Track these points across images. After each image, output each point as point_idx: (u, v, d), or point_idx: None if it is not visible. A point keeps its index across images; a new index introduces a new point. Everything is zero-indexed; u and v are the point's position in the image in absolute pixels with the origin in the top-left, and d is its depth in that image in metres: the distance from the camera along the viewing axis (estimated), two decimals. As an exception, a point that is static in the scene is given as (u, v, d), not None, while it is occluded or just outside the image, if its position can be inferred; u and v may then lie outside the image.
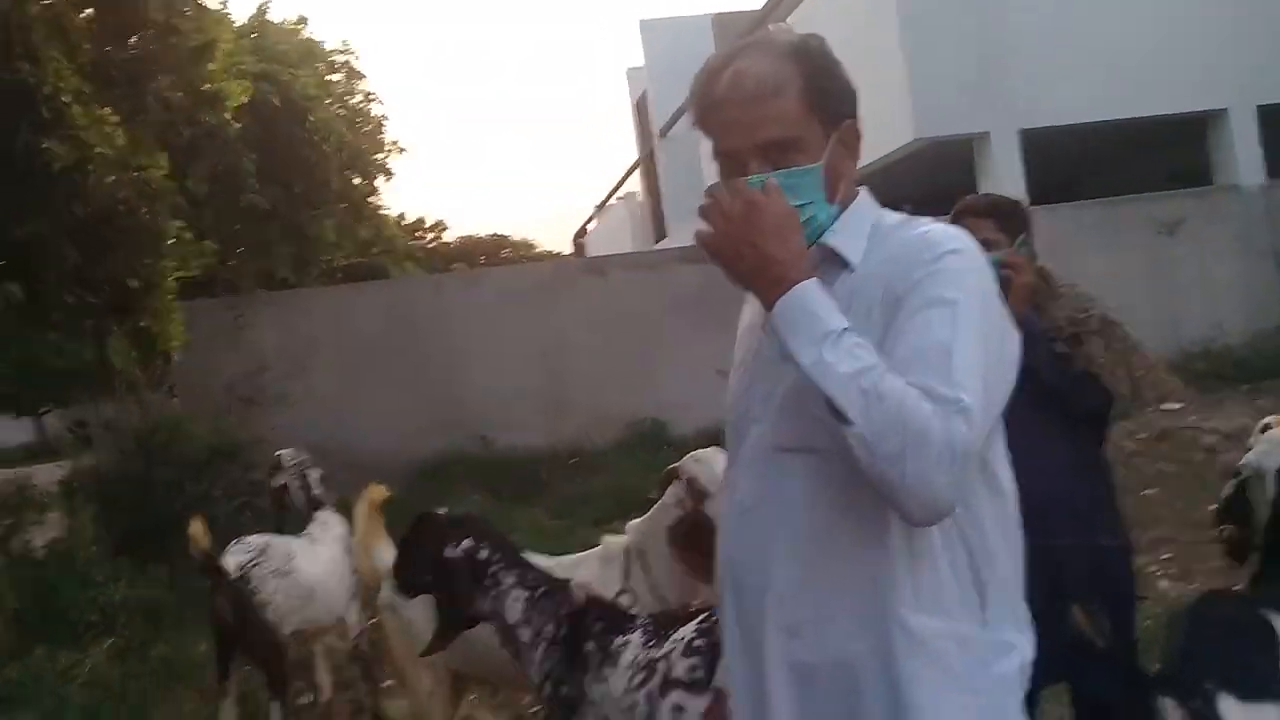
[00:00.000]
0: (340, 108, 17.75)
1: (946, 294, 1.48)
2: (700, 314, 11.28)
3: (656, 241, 24.94)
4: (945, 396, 1.39)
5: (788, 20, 14.74)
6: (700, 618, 2.44)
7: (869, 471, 1.40)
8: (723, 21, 20.75)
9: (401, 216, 29.33)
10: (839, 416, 1.41)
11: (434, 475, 10.12)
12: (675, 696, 2.34)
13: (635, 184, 29.12)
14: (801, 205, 1.56)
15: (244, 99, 9.09)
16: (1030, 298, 2.89)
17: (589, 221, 36.31)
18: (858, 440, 1.39)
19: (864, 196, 1.68)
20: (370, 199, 20.42)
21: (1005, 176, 11.85)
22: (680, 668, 2.36)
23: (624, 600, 3.12)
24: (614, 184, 30.98)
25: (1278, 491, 2.91)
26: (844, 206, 1.64)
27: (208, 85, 8.40)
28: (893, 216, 1.66)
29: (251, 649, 4.24)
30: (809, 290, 1.48)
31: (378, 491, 3.92)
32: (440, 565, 2.69)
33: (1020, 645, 1.56)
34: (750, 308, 1.77)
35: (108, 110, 6.65)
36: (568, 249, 40.05)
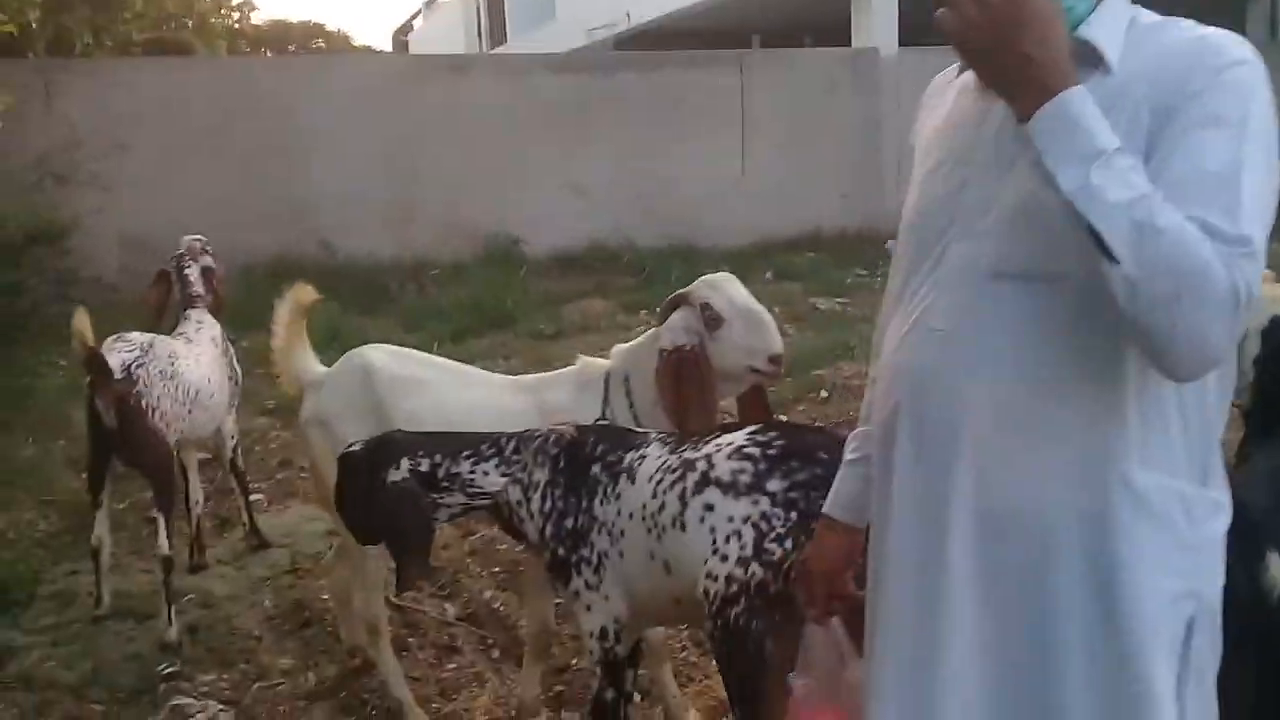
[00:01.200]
0: None
1: (1232, 112, 1.26)
2: (564, 128, 10.82)
3: (493, 47, 23.76)
4: (1229, 234, 1.19)
5: None
6: (752, 428, 2.27)
7: (1131, 315, 1.21)
8: None
9: (207, -10, 26.68)
10: (1104, 251, 1.19)
11: (271, 278, 9.41)
12: (709, 494, 2.18)
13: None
14: None
15: None
16: None
17: (415, 17, 34.22)
18: (1123, 280, 1.19)
19: None
20: (181, -35, 18.40)
21: (880, 12, 11.69)
22: (723, 468, 2.19)
23: None
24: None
25: (1262, 352, 2.91)
26: None
27: None
28: (1149, 14, 1.40)
29: (137, 458, 3.79)
30: (1076, 99, 1.23)
31: (305, 293, 3.42)
32: (387, 501, 2.41)
33: (1226, 505, 1.43)
34: (950, 98, 1.52)
35: None
36: (386, 45, 37.83)
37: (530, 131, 10.75)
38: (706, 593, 2.14)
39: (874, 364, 1.67)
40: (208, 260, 4.51)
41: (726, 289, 2.90)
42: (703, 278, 2.99)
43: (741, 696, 2.16)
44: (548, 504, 2.43)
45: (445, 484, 2.44)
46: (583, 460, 2.43)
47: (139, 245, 9.63)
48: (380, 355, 3.22)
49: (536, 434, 2.50)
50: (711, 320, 2.83)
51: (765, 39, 17.20)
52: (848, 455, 1.72)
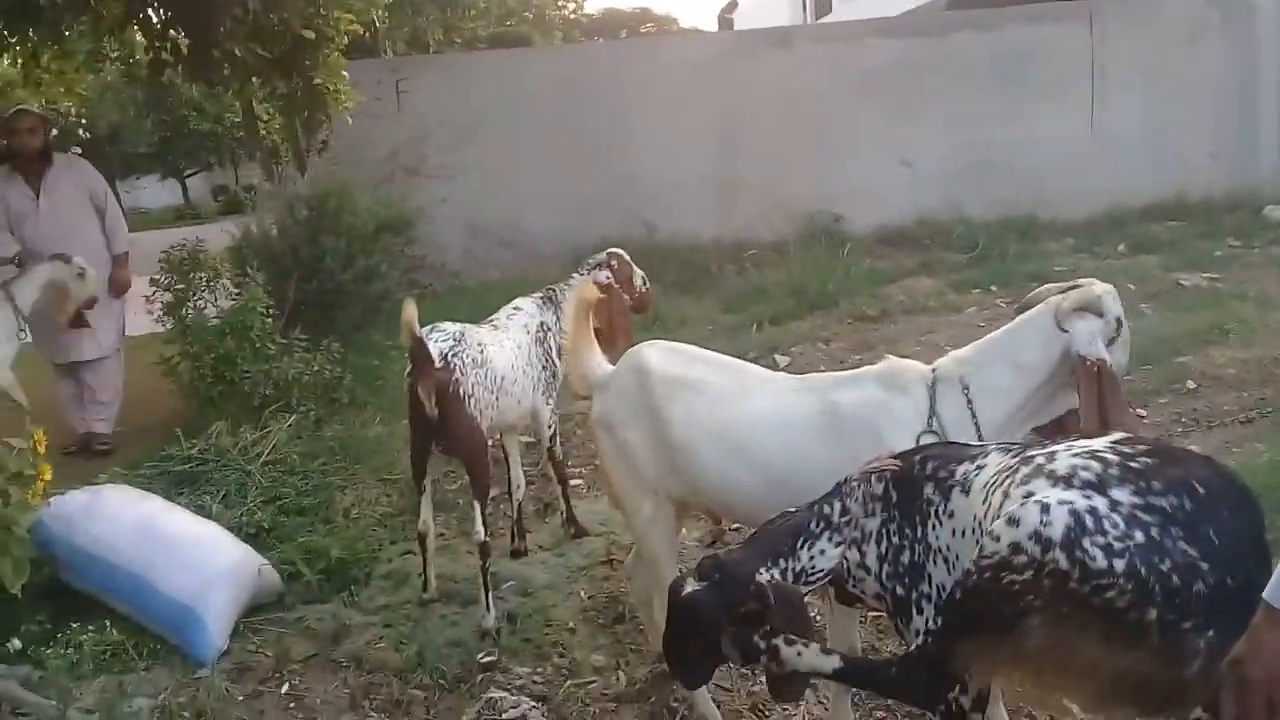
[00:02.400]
0: None
1: None
2: (892, 97, 10.31)
3: (818, 18, 23.29)
4: None
5: None
6: (1120, 436, 1.94)
7: None
8: None
9: (545, -17, 28.10)
10: None
11: (598, 260, 9.64)
12: (1034, 484, 1.86)
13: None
14: None
15: None
16: None
17: (740, -5, 34.26)
18: None
19: None
20: (520, -39, 19.41)
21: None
22: (1063, 463, 1.87)
23: (926, 441, 2.60)
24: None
25: None
26: None
27: None
28: None
29: (454, 445, 3.87)
30: None
31: (590, 290, 3.37)
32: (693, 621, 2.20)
33: None
34: None
35: None
36: (712, 26, 38.18)
37: (857, 102, 10.32)
38: (981, 550, 1.83)
39: None
40: (603, 275, 4.43)
41: (1119, 303, 2.74)
42: (1097, 285, 2.74)
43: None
44: (884, 546, 2.20)
45: (801, 580, 2.27)
46: (915, 486, 2.17)
47: (482, 232, 10.20)
48: (656, 355, 3.07)
49: (854, 480, 2.26)
50: (1114, 337, 2.69)
51: (1117, -14, 15.66)
52: None
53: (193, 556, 3.82)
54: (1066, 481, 1.83)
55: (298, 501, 4.72)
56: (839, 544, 2.25)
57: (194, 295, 6.42)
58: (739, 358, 3.26)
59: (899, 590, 2.15)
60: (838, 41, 10.72)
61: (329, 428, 5.79)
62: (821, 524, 2.27)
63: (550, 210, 10.18)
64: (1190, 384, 5.62)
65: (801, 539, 2.26)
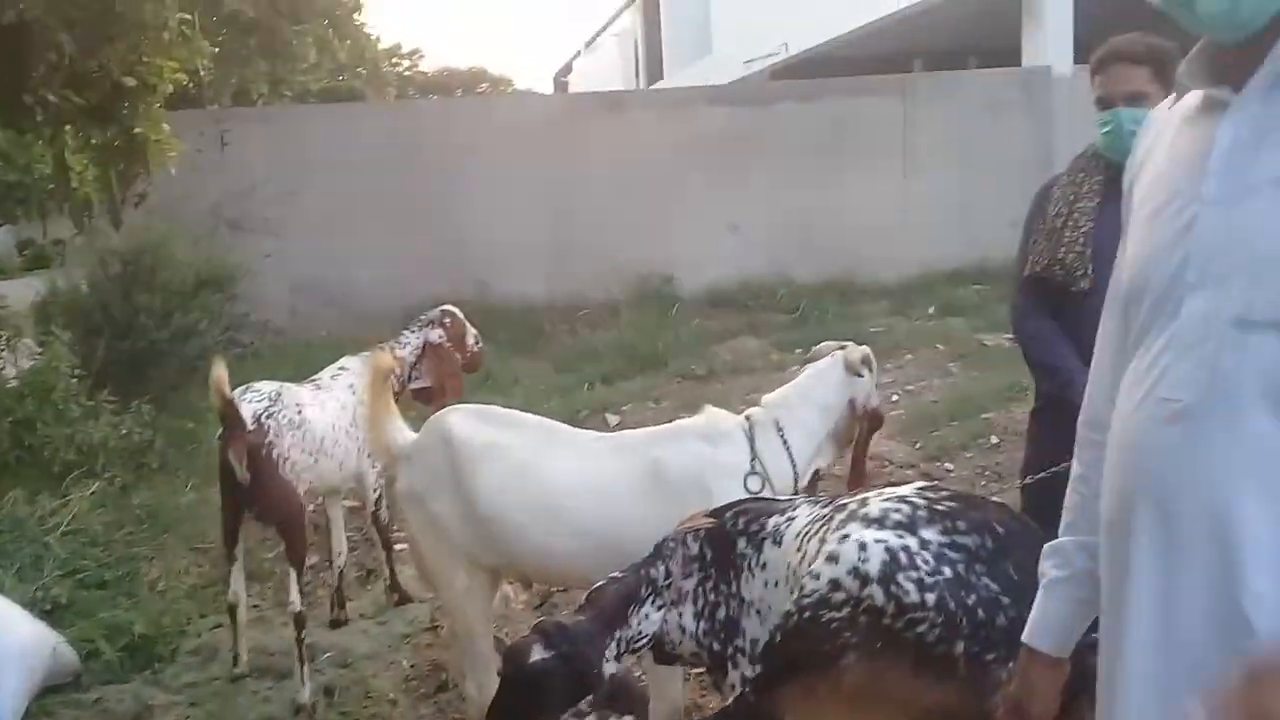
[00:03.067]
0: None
1: None
2: (723, 162, 10.63)
3: (650, 83, 23.89)
4: None
5: None
6: (924, 484, 2.09)
7: None
8: None
9: (378, 40, 27.88)
10: None
11: (429, 318, 9.55)
12: (850, 528, 1.96)
13: (626, 22, 27.79)
14: None
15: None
16: None
17: (575, 58, 34.84)
18: None
19: None
20: (355, 16, 19.21)
21: (1055, 26, 11.11)
22: (875, 506, 1.99)
23: (753, 484, 2.72)
24: (606, 20, 29.50)
25: None
26: None
27: None
28: None
29: (267, 512, 3.74)
30: None
31: (385, 359, 3.29)
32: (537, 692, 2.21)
33: None
34: (1171, 131, 1.30)
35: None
36: (547, 88, 38.68)
37: (687, 166, 10.60)
38: (801, 589, 1.92)
39: (1080, 450, 1.42)
40: (435, 334, 4.42)
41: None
42: (861, 349, 3.12)
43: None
44: (700, 604, 2.25)
45: (627, 650, 2.30)
46: (728, 542, 2.24)
47: (309, 289, 9.96)
48: (461, 420, 3.02)
49: (672, 541, 2.31)
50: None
51: (928, 63, 16.64)
52: (1050, 573, 1.46)
53: (-21, 637, 3.56)
54: (880, 522, 1.93)
55: (99, 574, 4.46)
56: (661, 607, 2.28)
57: (-7, 357, 6.05)
58: (571, 417, 3.30)
59: (715, 646, 2.20)
60: (668, 108, 11.03)
61: (137, 495, 5.50)
62: (648, 588, 2.29)
63: (380, 268, 10.05)
64: (994, 439, 5.96)
65: (632, 606, 2.28)
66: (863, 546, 1.89)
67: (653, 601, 2.28)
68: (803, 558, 2.05)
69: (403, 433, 3.16)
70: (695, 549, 2.29)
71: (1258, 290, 1.12)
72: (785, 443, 2.88)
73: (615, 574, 2.39)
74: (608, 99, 11.53)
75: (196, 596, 4.52)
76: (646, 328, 8.85)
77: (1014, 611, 1.77)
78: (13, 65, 6.21)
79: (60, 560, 4.46)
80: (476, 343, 4.60)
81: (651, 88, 22.34)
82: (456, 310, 4.57)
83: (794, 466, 2.87)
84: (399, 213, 10.24)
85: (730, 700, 2.20)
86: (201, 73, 7.48)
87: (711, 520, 2.32)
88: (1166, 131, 1.32)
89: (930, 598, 1.81)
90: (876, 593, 1.84)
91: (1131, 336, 1.29)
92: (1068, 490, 1.47)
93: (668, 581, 2.29)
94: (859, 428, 3.04)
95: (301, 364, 8.41)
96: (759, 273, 10.42)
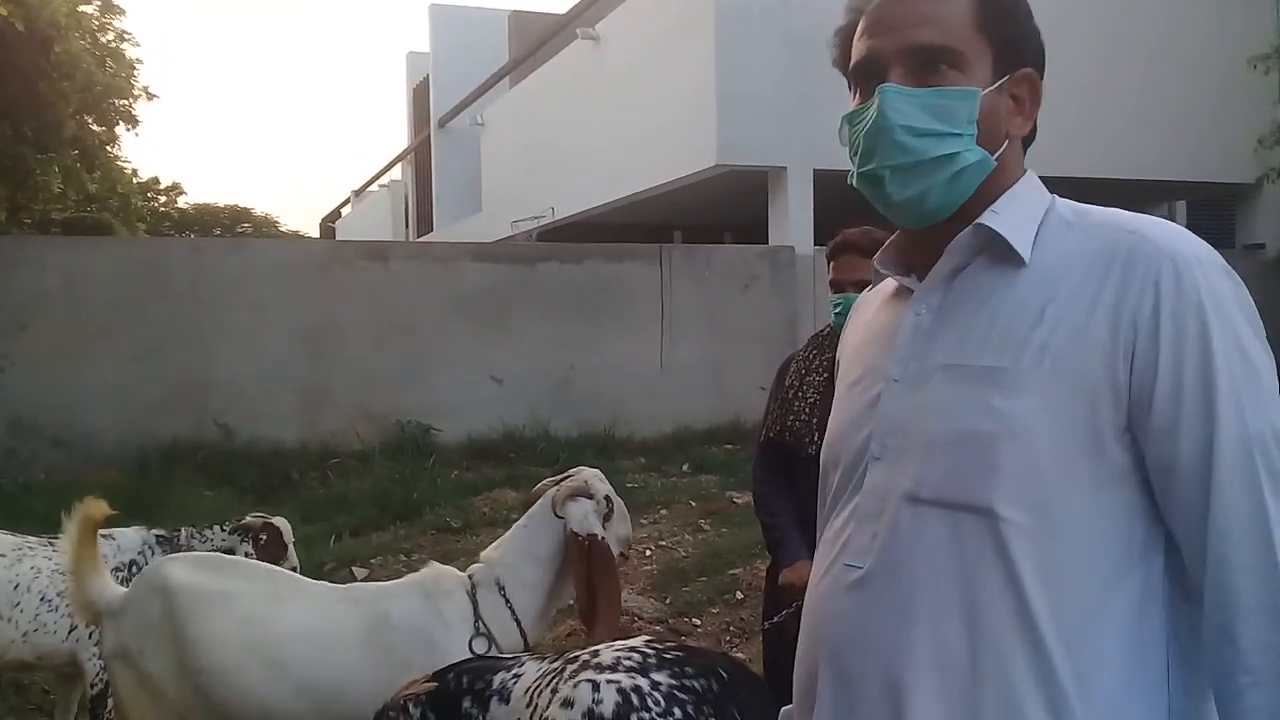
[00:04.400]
0: (90, 43, 15.84)
1: (1245, 348, 1.12)
2: (486, 316, 10.76)
3: (420, 235, 24.07)
4: None
5: (595, 28, 14.47)
6: (651, 638, 2.18)
7: None
8: (519, 20, 20.27)
9: (135, 172, 26.87)
10: None
11: (167, 462, 8.99)
12: (584, 674, 2.02)
13: (396, 174, 28.09)
14: (942, 135, 1.20)
15: (-7, 9, 7.74)
16: None
17: (344, 205, 34.70)
18: None
19: (1033, 179, 1.30)
20: (107, 147, 18.42)
21: (797, 212, 12.05)
22: (607, 656, 2.05)
23: (478, 645, 2.67)
24: (377, 170, 29.68)
25: None
26: (1006, 183, 1.27)
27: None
28: (1070, 204, 1.28)
29: None
30: None
31: (97, 508, 3.03)
32: None
33: None
34: (872, 311, 1.41)
35: None
36: (313, 231, 38.20)
37: (449, 319, 10.66)
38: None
39: None
40: (241, 547, 3.96)
41: (607, 483, 3.10)
42: (585, 470, 3.10)
43: None
44: None
45: None
46: (453, 702, 2.20)
47: (30, 429, 9.21)
48: (179, 569, 2.87)
49: (392, 710, 2.25)
50: (608, 514, 3.01)
51: (686, 235, 17.63)
52: None
53: None
54: (612, 668, 2.00)
55: None
56: None
57: None
58: (316, 570, 3.15)
59: None
60: (434, 260, 11.12)
61: None
62: None
63: (113, 408, 9.44)
64: (739, 594, 6.12)
65: None
66: (596, 688, 1.95)
67: None
68: (533, 711, 2.05)
69: (109, 588, 2.93)
70: (418, 715, 2.23)
71: (926, 469, 1.18)
72: (508, 601, 2.84)
73: None
74: (371, 248, 11.49)
75: None
76: (402, 477, 8.67)
77: None
78: None
79: None
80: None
81: (421, 239, 22.49)
82: (283, 527, 4.12)
83: (519, 625, 2.82)
84: (138, 350, 9.71)
85: None
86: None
87: (432, 684, 2.27)
88: (867, 312, 1.43)
89: None
90: None
91: (825, 505, 1.36)
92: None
93: None
94: (578, 558, 2.88)
95: (13, 509, 7.73)
96: (520, 424, 10.47)
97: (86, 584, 2.89)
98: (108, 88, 16.30)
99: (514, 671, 2.21)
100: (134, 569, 3.61)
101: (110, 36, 17.52)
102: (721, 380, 11.37)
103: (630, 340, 11.20)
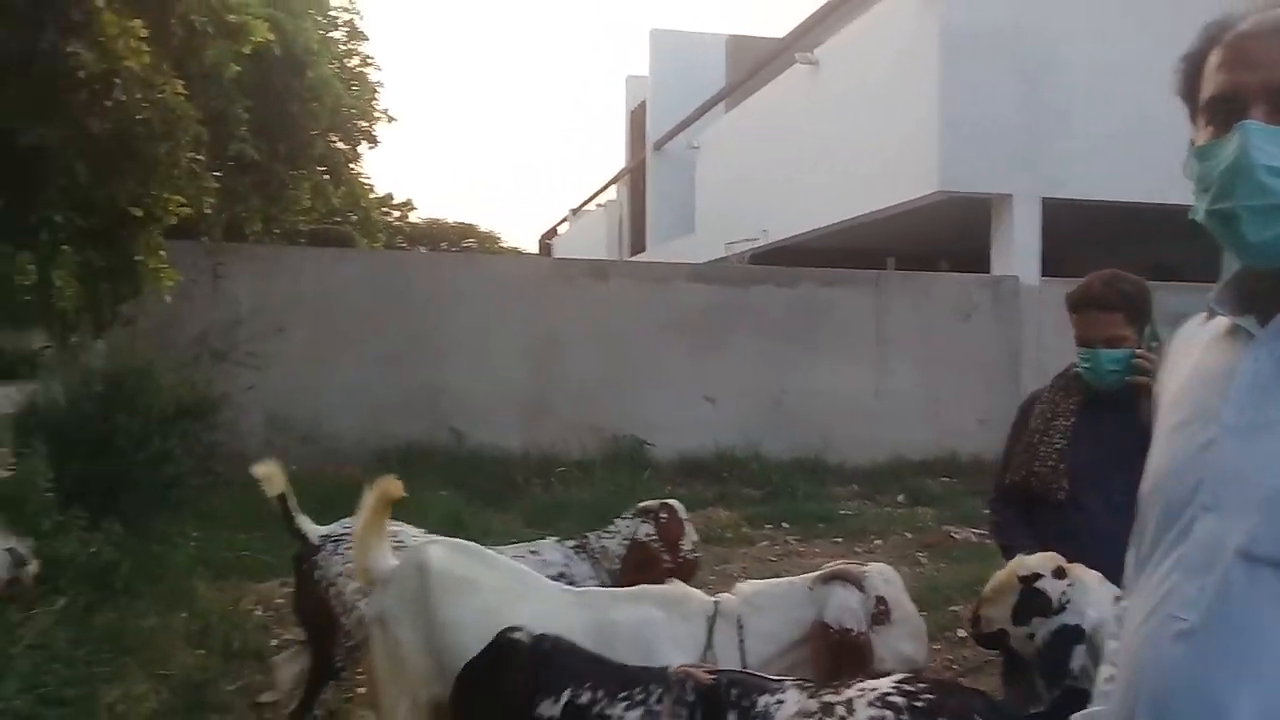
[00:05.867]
0: (338, 67, 17.06)
1: None
2: (700, 336, 10.95)
3: (633, 254, 24.61)
4: None
5: (814, 52, 14.50)
6: (899, 676, 2.13)
7: None
8: (738, 44, 20.51)
9: (371, 188, 28.62)
10: None
11: (401, 463, 9.57)
12: None
13: (612, 194, 28.81)
14: None
15: (266, 37, 8.51)
16: None
17: (561, 223, 35.87)
18: None
19: None
20: (350, 164, 19.75)
21: (1023, 241, 11.71)
22: (862, 715, 2.02)
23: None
24: (594, 190, 30.60)
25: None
26: None
27: (232, 16, 7.83)
28: None
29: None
30: None
31: (394, 486, 3.27)
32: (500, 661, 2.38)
33: None
34: (1199, 346, 1.37)
35: (138, 23, 6.05)
36: (531, 247, 39.69)
37: (665, 337, 10.91)
38: None
39: (1111, 650, 1.48)
40: (645, 530, 3.88)
41: (898, 588, 2.83)
42: (875, 568, 2.89)
43: None
44: None
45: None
46: (719, 707, 2.25)
47: (284, 424, 9.99)
48: (440, 552, 3.07)
49: (674, 676, 2.33)
50: (880, 615, 2.74)
51: (900, 261, 17.39)
52: None
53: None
54: None
55: (59, 691, 4.35)
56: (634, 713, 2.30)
57: (-33, 464, 6.00)
58: (538, 574, 3.28)
59: None
60: (652, 280, 11.41)
61: (100, 615, 5.39)
62: (643, 695, 2.31)
63: (356, 409, 10.12)
64: (960, 632, 6.00)
65: (625, 695, 2.31)
66: None
67: (641, 714, 2.30)
68: None
69: (385, 558, 3.20)
70: (691, 698, 2.30)
71: (1265, 526, 1.14)
72: (741, 642, 2.80)
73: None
74: (593, 267, 11.91)
75: (155, 723, 4.40)
76: (619, 489, 8.90)
77: None
78: (25, 185, 6.42)
79: (22, 674, 4.36)
80: (694, 550, 3.99)
81: (633, 258, 23.02)
82: (678, 507, 4.03)
83: (744, 668, 2.73)
84: (380, 355, 10.40)
85: None
86: (206, 209, 7.71)
87: (713, 678, 2.34)
88: (1194, 347, 1.37)
89: None
90: None
91: (1144, 546, 1.32)
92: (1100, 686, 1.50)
93: (660, 706, 2.30)
94: (819, 648, 2.72)
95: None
96: (731, 444, 10.59)
97: (369, 552, 3.18)
98: (353, 109, 17.51)
99: (777, 697, 2.22)
100: (562, 579, 3.57)
101: (355, 61, 18.82)
102: (938, 411, 11.15)
103: (844, 365, 11.15)
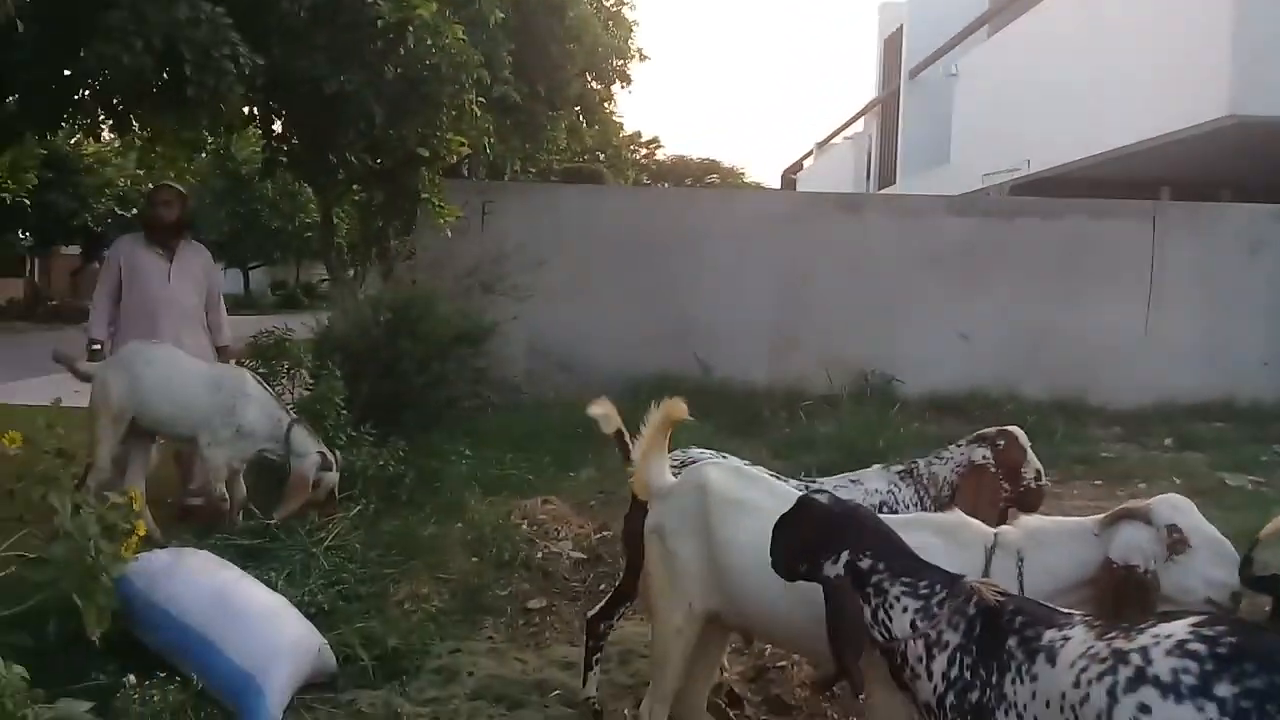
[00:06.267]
0: (595, 8, 17.44)
1: None
2: (954, 271, 10.64)
3: (881, 188, 23.99)
4: None
5: (1089, -29, 13.55)
6: (1195, 619, 2.00)
7: None
8: (1001, -34, 19.32)
9: (621, 127, 29.23)
10: None
11: (655, 392, 9.87)
12: (1144, 693, 1.92)
13: (859, 127, 28.09)
14: None
15: (531, -18, 8.85)
16: None
17: (806, 156, 35.35)
18: None
19: None
20: (605, 104, 20.25)
21: (1324, 170, 10.64)
22: (1163, 666, 1.92)
23: None
24: (841, 123, 29.92)
25: None
26: None
27: (502, -36, 8.20)
28: None
29: None
30: None
31: (678, 409, 3.46)
32: (815, 572, 2.48)
33: None
34: None
35: (428, -27, 6.48)
36: (774, 182, 39.39)
37: (917, 271, 10.67)
38: None
39: None
40: (980, 454, 3.74)
41: (1192, 514, 2.72)
42: (1161, 498, 2.80)
43: None
44: (954, 671, 2.27)
45: (870, 594, 2.40)
46: (999, 630, 2.24)
47: (543, 353, 10.54)
48: (719, 474, 3.19)
49: (960, 586, 2.36)
50: (1177, 544, 2.65)
51: (1176, 192, 16.14)
52: None
53: (260, 628, 3.95)
54: (1176, 692, 1.88)
55: (356, 588, 4.87)
56: (914, 625, 2.34)
57: (274, 382, 6.69)
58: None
59: None
60: (906, 213, 11.15)
61: (387, 522, 5.95)
62: (926, 590, 2.37)
63: (610, 340, 10.51)
64: (1234, 582, 5.67)
65: (908, 580, 2.38)
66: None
67: (918, 608, 2.35)
68: (1083, 698, 2.02)
69: (665, 474, 3.37)
70: (970, 613, 2.31)
71: None
72: (1021, 574, 2.75)
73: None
74: (846, 200, 11.78)
75: (438, 620, 4.83)
76: (866, 424, 8.86)
77: None
78: (322, 129, 7.02)
79: (324, 571, 4.89)
80: (1038, 478, 3.77)
81: (884, 192, 22.46)
82: (1019, 433, 3.85)
83: None
84: (633, 289, 10.73)
85: None
86: (487, 149, 8.17)
87: (999, 599, 2.32)
88: None
89: None
90: None
91: None
92: None
93: (939, 611, 2.33)
94: (1106, 587, 2.64)
95: (534, 422, 8.90)
96: (985, 383, 10.29)
97: (650, 468, 3.37)
98: (609, 49, 17.87)
99: (1064, 632, 2.17)
100: (884, 508, 3.61)
101: (611, 1, 19.18)
102: (1216, 352, 10.39)
103: (1112, 302, 10.56)
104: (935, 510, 3.55)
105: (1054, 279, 10.61)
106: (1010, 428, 3.87)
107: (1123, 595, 2.60)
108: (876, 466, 3.95)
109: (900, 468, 3.85)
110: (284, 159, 7.49)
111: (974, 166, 17.49)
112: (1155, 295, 10.65)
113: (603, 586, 5.48)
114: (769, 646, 4.43)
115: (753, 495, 3.12)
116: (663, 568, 3.23)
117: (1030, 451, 3.77)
